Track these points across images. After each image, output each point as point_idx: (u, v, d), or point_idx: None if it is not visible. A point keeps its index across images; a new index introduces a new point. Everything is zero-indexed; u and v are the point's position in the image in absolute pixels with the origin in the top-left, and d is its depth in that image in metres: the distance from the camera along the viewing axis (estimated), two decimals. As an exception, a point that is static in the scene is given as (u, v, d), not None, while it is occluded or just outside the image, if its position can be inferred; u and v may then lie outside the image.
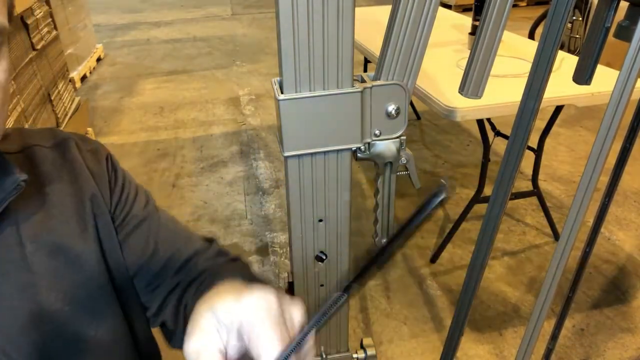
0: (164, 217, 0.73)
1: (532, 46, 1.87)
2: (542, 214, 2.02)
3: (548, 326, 1.05)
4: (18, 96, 1.91)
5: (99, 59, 4.42)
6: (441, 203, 0.36)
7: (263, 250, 2.01)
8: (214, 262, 0.70)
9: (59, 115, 2.36)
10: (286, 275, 0.81)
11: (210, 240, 0.74)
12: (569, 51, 3.32)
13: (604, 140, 0.53)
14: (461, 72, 0.59)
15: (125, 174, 0.71)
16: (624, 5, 0.54)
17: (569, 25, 2.38)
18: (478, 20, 1.86)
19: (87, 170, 0.65)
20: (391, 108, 0.60)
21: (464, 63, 0.59)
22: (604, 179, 0.67)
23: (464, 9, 5.28)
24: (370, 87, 0.59)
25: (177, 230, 0.72)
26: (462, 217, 1.85)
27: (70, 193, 0.63)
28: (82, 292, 0.61)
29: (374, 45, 1.95)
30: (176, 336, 0.69)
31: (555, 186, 2.37)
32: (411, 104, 3.12)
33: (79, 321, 0.61)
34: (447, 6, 5.46)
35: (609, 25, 0.55)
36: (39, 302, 0.57)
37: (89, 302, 0.62)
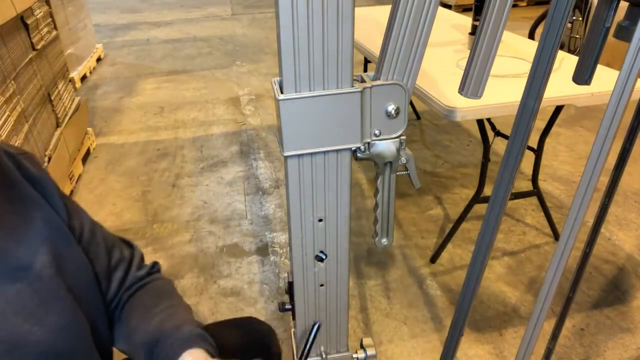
0: (98, 225, 0.76)
1: (532, 46, 1.87)
2: (542, 214, 2.02)
3: (548, 326, 1.05)
4: (18, 96, 1.91)
5: (99, 59, 4.42)
6: None
7: (263, 250, 2.01)
8: (140, 281, 0.78)
9: (59, 116, 2.36)
10: (286, 275, 0.81)
11: (131, 245, 0.82)
12: (569, 51, 3.32)
13: (604, 141, 0.53)
14: (461, 72, 0.59)
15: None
16: (623, 6, 0.54)
17: (569, 25, 2.39)
18: (478, 20, 1.86)
19: (24, 179, 0.62)
20: (391, 108, 0.60)
21: (464, 63, 0.59)
22: (604, 179, 0.67)
23: (464, 9, 5.28)
24: (370, 87, 0.59)
25: (113, 240, 0.78)
26: (462, 217, 1.85)
27: (13, 208, 0.59)
28: (47, 308, 0.60)
29: (374, 45, 1.95)
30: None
31: (555, 186, 2.37)
32: (411, 104, 3.12)
33: (49, 338, 0.59)
34: (447, 6, 5.46)
35: (609, 25, 0.55)
36: (8, 329, 0.55)
37: (56, 317, 0.60)
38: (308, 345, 0.60)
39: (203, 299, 1.76)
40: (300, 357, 0.59)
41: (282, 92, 0.58)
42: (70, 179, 2.38)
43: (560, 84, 1.36)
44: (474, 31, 1.92)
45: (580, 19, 3.29)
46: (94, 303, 0.69)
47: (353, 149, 0.63)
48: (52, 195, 0.64)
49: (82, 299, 0.65)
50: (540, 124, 1.51)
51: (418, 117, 3.13)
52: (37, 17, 2.24)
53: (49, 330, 0.59)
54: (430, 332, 1.60)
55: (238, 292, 1.79)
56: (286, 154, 0.61)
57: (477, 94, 0.60)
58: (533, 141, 1.67)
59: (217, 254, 1.99)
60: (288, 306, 0.84)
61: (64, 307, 0.62)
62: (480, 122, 1.66)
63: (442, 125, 3.02)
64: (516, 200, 2.17)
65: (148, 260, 0.83)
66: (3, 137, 1.72)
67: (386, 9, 0.53)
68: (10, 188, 0.60)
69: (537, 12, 3.88)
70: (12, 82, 1.89)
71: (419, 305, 1.71)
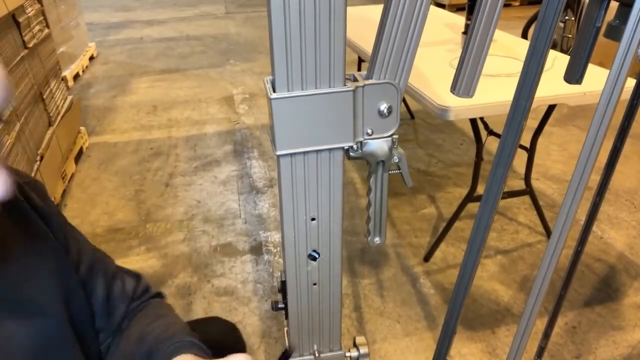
0: (101, 257, 0.73)
1: (524, 45, 1.88)
2: (535, 212, 2.03)
3: (540, 324, 1.06)
4: (9, 95, 1.90)
5: (91, 58, 4.40)
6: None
7: (257, 249, 2.01)
8: (142, 311, 0.74)
9: (51, 115, 2.34)
10: (279, 274, 0.81)
11: (137, 277, 0.78)
12: (562, 51, 3.33)
13: (595, 139, 0.53)
14: (454, 72, 0.59)
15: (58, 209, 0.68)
16: (614, 5, 0.54)
17: (562, 25, 2.40)
18: (471, 19, 1.86)
19: (32, 209, 0.60)
20: (383, 107, 0.61)
21: (457, 62, 0.60)
22: (596, 178, 0.68)
23: (457, 9, 5.29)
24: (362, 86, 0.59)
25: (116, 273, 0.74)
26: (456, 215, 1.86)
27: (22, 240, 0.57)
28: (49, 346, 0.58)
29: (368, 44, 1.95)
30: None
31: (547, 185, 2.38)
32: (405, 103, 3.12)
33: None
34: (441, 5, 5.47)
35: (600, 25, 0.55)
36: None
37: (56, 356, 0.59)
38: None
39: (196, 299, 1.75)
40: None
41: (274, 91, 0.58)
42: (63, 178, 2.37)
43: (553, 84, 1.36)
44: (467, 30, 1.92)
45: (573, 18, 3.31)
46: (93, 339, 0.68)
47: (345, 147, 0.63)
48: (56, 227, 0.62)
49: (83, 336, 0.64)
50: (533, 123, 1.51)
51: (412, 117, 3.14)
52: (29, 15, 2.22)
53: None
54: (424, 331, 1.61)
55: (232, 291, 1.79)
56: (278, 153, 0.61)
57: (468, 93, 0.60)
58: (526, 140, 1.68)
59: (210, 254, 1.99)
60: (281, 305, 0.84)
61: (66, 346, 0.60)
62: (473, 121, 1.66)
63: (436, 125, 3.03)
64: (509, 199, 2.18)
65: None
66: (-6, 136, 1.71)
67: (380, 8, 0.53)
68: (21, 220, 0.58)
69: (530, 11, 3.90)
70: (4, 80, 1.87)
71: (413, 303, 1.72)
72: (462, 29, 1.98)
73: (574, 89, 1.35)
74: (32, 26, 2.25)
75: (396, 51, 0.57)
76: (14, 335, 0.54)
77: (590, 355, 1.51)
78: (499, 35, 1.98)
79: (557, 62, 1.60)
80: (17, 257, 0.56)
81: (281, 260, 1.96)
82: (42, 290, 0.58)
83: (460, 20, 2.30)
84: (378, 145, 0.64)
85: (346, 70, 0.60)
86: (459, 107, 1.35)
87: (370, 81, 0.59)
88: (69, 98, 2.69)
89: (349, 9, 0.55)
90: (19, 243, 0.57)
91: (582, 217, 0.76)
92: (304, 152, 0.62)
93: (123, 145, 2.89)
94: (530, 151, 1.84)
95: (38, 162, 2.04)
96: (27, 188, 0.61)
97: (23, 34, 2.12)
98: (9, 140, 1.82)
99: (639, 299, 1.70)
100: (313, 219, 0.69)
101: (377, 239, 0.75)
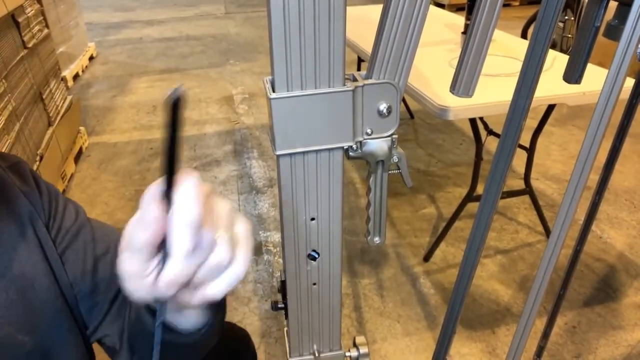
0: (98, 227, 0.69)
1: (524, 45, 1.88)
2: (535, 212, 2.03)
3: (540, 324, 1.06)
4: (9, 95, 1.90)
5: (91, 58, 4.40)
6: (178, 104, 0.34)
7: (257, 249, 2.01)
8: None
9: (50, 115, 2.34)
10: (279, 274, 0.81)
11: None
12: (562, 51, 3.33)
13: (593, 139, 0.53)
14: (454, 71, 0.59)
15: (49, 185, 0.67)
16: (613, 5, 0.54)
17: (561, 24, 2.40)
18: (470, 19, 1.86)
19: (16, 188, 0.60)
20: (383, 107, 0.61)
21: (456, 62, 0.60)
22: (595, 177, 0.68)
23: (457, 8, 5.29)
24: (362, 86, 0.59)
25: (112, 241, 0.69)
26: (455, 215, 1.86)
27: (7, 216, 0.59)
28: (41, 319, 0.58)
29: (367, 44, 1.95)
30: (121, 356, 0.65)
31: (547, 185, 2.38)
32: (405, 103, 3.12)
33: (42, 350, 0.58)
34: (441, 5, 5.47)
35: (599, 24, 0.56)
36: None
37: (49, 328, 0.59)
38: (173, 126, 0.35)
39: (196, 299, 1.75)
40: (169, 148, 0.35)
41: (273, 91, 0.58)
42: (63, 178, 2.37)
43: (552, 83, 1.36)
44: (466, 30, 1.92)
45: (573, 18, 3.31)
46: (82, 321, 0.66)
47: (345, 147, 0.64)
48: (38, 205, 0.62)
49: (74, 312, 0.63)
50: (532, 122, 1.51)
51: (412, 116, 3.14)
52: (29, 15, 2.22)
53: (43, 341, 0.57)
54: (424, 330, 1.61)
55: (232, 291, 1.79)
56: (278, 152, 0.61)
57: (468, 93, 0.60)
58: (525, 140, 1.68)
59: (210, 253, 1.99)
60: (281, 305, 0.84)
61: (59, 318, 0.60)
62: (472, 121, 1.67)
63: (436, 124, 3.03)
64: (509, 199, 2.18)
65: None
66: (-6, 136, 1.71)
67: (380, 8, 0.54)
68: (6, 198, 0.59)
69: (530, 11, 3.90)
70: (3, 80, 1.87)
71: (413, 303, 1.72)
72: (462, 29, 1.98)
73: (573, 88, 1.35)
74: (31, 26, 2.25)
75: (396, 51, 0.57)
76: (5, 308, 0.55)
77: (590, 355, 1.51)
78: (499, 35, 1.98)
79: (556, 61, 1.60)
80: (3, 235, 0.57)
81: (281, 260, 1.96)
82: (30, 264, 0.58)
83: (460, 20, 2.30)
84: (377, 145, 0.64)
85: (346, 70, 0.60)
86: (459, 107, 1.35)
87: (369, 81, 0.59)
88: (69, 98, 2.69)
89: (348, 9, 0.55)
90: (2, 220, 0.58)
91: (581, 216, 0.77)
92: (304, 152, 0.62)
93: (123, 145, 2.89)
94: (530, 151, 1.84)
95: (38, 162, 2.04)
96: (9, 171, 0.61)
97: (22, 34, 2.12)
98: (9, 140, 1.82)
99: (639, 298, 1.70)
100: (313, 219, 0.69)
101: (376, 239, 0.75)
